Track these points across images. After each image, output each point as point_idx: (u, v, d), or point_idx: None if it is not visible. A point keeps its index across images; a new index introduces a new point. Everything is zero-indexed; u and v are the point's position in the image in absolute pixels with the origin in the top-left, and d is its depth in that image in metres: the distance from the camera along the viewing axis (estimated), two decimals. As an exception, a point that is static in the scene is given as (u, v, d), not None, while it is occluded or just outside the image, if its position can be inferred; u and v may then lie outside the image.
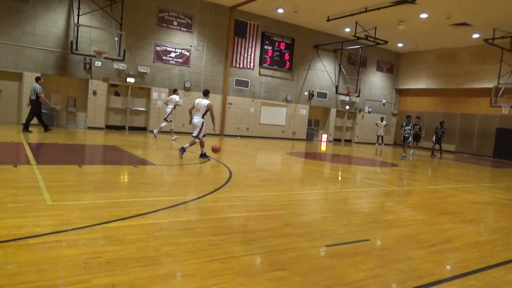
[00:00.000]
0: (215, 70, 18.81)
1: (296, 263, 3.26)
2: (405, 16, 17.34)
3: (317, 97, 22.21)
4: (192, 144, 9.26)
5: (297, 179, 7.98)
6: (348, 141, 24.35)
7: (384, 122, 22.61)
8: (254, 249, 3.50)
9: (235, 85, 19.42)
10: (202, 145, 9.53)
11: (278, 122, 21.00)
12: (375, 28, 19.18)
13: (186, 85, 18.02)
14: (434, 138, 17.95)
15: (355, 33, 18.91)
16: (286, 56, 20.73)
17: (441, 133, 17.62)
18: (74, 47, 14.84)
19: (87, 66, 15.89)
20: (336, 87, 22.31)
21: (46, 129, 12.88)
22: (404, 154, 15.38)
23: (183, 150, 9.12)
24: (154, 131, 14.10)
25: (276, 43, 20.30)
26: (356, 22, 18.64)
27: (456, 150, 22.70)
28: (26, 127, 12.40)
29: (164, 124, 13.91)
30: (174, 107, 13.71)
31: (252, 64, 19.69)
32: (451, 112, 23.09)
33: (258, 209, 5.00)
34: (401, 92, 26.03)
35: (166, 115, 13.77)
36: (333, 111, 23.05)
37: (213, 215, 4.47)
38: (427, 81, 23.89)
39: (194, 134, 9.24)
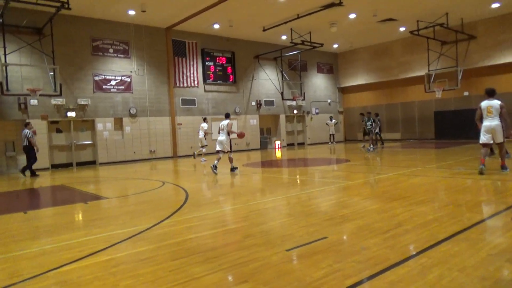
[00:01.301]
0: (160, 93, 18.59)
1: (258, 273, 3.29)
2: (336, 18, 18.18)
3: (265, 105, 22.57)
4: (230, 160, 11.28)
5: (255, 189, 8.04)
6: (301, 144, 24.89)
7: (334, 120, 23.45)
8: (216, 266, 3.49)
9: (182, 105, 19.28)
10: (231, 160, 11.34)
11: (231, 135, 21.02)
12: (310, 32, 19.92)
13: (131, 111, 17.63)
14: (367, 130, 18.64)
15: (292, 39, 19.54)
16: (229, 70, 20.93)
17: (369, 125, 17.91)
18: (5, 87, 14.08)
19: (22, 106, 15.12)
20: (282, 94, 22.82)
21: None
22: (371, 147, 16.46)
23: (215, 167, 11.00)
24: (203, 159, 15.86)
25: (217, 58, 20.45)
26: (291, 29, 19.26)
27: (401, 138, 23.93)
28: (32, 172, 13.08)
29: (201, 149, 16.10)
30: (205, 134, 15.91)
31: (196, 82, 19.68)
32: (392, 102, 24.36)
33: (217, 225, 4.99)
34: (343, 90, 27.10)
35: (200, 142, 16.10)
36: (282, 117, 23.50)
37: (171, 240, 4.41)
38: (366, 77, 25.07)
39: (228, 150, 11.12)
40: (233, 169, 11.23)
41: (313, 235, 4.28)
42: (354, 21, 18.74)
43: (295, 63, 23.68)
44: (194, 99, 19.69)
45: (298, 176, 10.06)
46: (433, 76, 20.25)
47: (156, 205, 6.73)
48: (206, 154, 17.15)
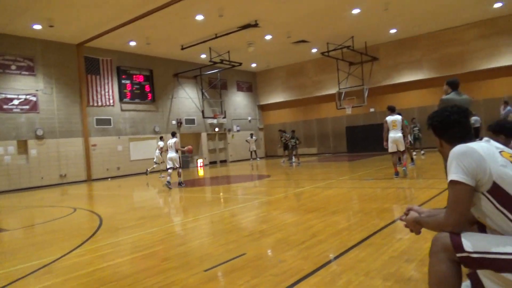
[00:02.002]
0: (71, 112, 17.42)
1: (175, 296, 3.19)
2: (253, 38, 18.81)
3: (185, 124, 22.33)
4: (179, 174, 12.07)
5: (175, 210, 7.85)
6: (223, 161, 24.98)
7: (254, 137, 23.97)
8: (130, 294, 3.31)
9: (97, 125, 18.27)
10: (179, 175, 12.15)
11: (151, 155, 20.37)
12: (228, 52, 20.32)
13: (38, 133, 16.23)
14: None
15: (211, 58, 19.75)
16: (147, 88, 20.41)
17: (294, 142, 18.82)
18: None
19: None
20: (202, 112, 22.81)
21: None
22: (294, 161, 17.49)
23: (169, 183, 11.71)
24: (161, 175, 16.44)
25: (134, 76, 19.85)
26: (210, 48, 19.47)
27: (318, 152, 25.25)
28: None
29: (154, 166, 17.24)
30: (161, 152, 16.51)
31: (111, 101, 18.83)
32: (308, 119, 25.67)
33: (132, 251, 4.76)
34: (263, 108, 27.93)
35: (157, 159, 16.95)
36: (204, 135, 23.43)
37: (81, 271, 4.10)
38: (284, 95, 26.17)
39: (177, 166, 12.08)
40: (180, 183, 12.05)
41: (232, 252, 4.29)
42: (270, 41, 19.57)
43: (215, 81, 23.89)
44: (110, 119, 18.79)
45: (220, 193, 10.04)
46: (343, 94, 21.84)
47: (66, 234, 6.22)
48: (162, 170, 18.25)
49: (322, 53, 20.35)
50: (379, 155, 19.66)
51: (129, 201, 10.12)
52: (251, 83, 27.20)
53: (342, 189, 8.69)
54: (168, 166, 12.13)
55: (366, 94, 20.99)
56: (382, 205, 6.33)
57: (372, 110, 22.71)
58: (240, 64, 21.36)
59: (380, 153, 20.99)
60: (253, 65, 25.11)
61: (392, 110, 9.91)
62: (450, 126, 2.16)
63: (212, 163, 24.20)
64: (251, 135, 24.06)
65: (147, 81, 20.45)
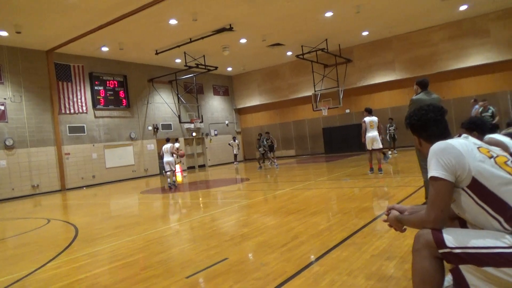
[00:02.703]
0: (42, 121, 16.89)
1: (156, 306, 3.10)
2: (227, 42, 18.78)
3: (162, 129, 22.04)
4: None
5: (154, 217, 7.70)
6: (202, 166, 24.79)
7: (236, 141, 23.92)
8: (109, 306, 3.20)
9: (70, 133, 17.78)
10: (174, 175, 13.40)
11: (127, 162, 20.02)
12: (204, 56, 20.21)
13: (7, 143, 15.64)
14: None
15: (186, 62, 19.59)
16: (121, 94, 20.04)
17: (270, 142, 18.98)
18: None
19: None
20: (179, 117, 22.58)
21: None
22: (272, 163, 17.69)
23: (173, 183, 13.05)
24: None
25: (107, 82, 19.45)
26: (185, 53, 19.31)
27: (296, 154, 25.40)
28: None
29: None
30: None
31: (84, 108, 18.37)
32: (285, 121, 25.80)
33: (111, 261, 4.62)
34: (240, 111, 27.90)
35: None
36: (181, 140, 23.18)
37: (57, 284, 3.93)
38: (260, 98, 26.22)
39: (173, 169, 13.23)
40: (171, 185, 13.15)
41: (214, 258, 4.22)
42: (245, 45, 19.59)
43: (191, 86, 23.71)
44: (83, 126, 18.33)
45: (200, 199, 9.97)
46: (319, 96, 22.08)
47: (40, 246, 5.98)
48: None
49: (297, 56, 20.52)
50: (356, 155, 19.94)
51: (106, 209, 9.87)
52: (227, 87, 27.13)
53: (321, 190, 8.76)
54: (166, 169, 13.27)
55: (341, 96, 21.29)
56: (361, 204, 6.39)
57: (347, 111, 23.05)
58: (216, 68, 21.28)
59: (356, 152, 21.31)
60: (229, 69, 25.07)
61: (369, 112, 10.83)
62: (428, 124, 2.19)
63: (190, 168, 23.96)
64: (234, 138, 23.99)
65: (121, 87, 20.08)
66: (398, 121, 18.53)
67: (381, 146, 10.62)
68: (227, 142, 25.75)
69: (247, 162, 24.77)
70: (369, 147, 10.61)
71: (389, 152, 17.80)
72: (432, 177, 1.99)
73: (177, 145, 16.62)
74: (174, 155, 13.34)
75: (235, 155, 23.63)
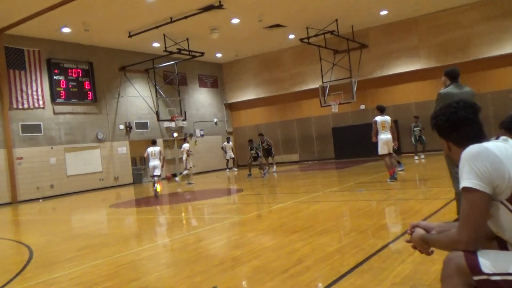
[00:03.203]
0: (-11, 118, 16.83)
1: None
2: (216, 23, 18.83)
3: (136, 129, 22.02)
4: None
5: (127, 237, 7.69)
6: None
7: (230, 143, 23.94)
8: None
9: (23, 133, 17.71)
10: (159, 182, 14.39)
11: (93, 169, 19.97)
12: (187, 39, 20.24)
13: None
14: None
15: (165, 47, 19.59)
16: (87, 85, 20.01)
17: (266, 145, 19.10)
18: None
19: None
20: (157, 113, 22.56)
21: None
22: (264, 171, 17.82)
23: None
24: (176, 178, 18.60)
25: (69, 70, 19.41)
26: (164, 35, 19.34)
27: (300, 159, 25.45)
28: None
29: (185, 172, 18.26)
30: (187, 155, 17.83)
31: (41, 102, 18.32)
32: (287, 119, 25.88)
33: (73, 290, 4.61)
34: (231, 107, 27.95)
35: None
36: (159, 142, 23.16)
37: (7, 318, 3.92)
38: (256, 91, 26.29)
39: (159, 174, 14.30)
40: (157, 193, 14.30)
41: (199, 286, 4.22)
42: (238, 26, 19.64)
43: (172, 75, 23.73)
44: (40, 124, 18.28)
45: (182, 214, 9.98)
46: (327, 89, 22.17)
47: (-15, 272, 5.95)
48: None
49: (301, 40, 20.59)
50: (373, 161, 19.99)
51: (67, 227, 9.84)
52: (216, 77, 27.15)
53: (330, 203, 8.77)
54: (155, 173, 14.25)
55: (355, 88, 21.39)
56: (379, 221, 6.42)
57: (362, 107, 23.15)
58: (202, 54, 21.31)
59: (374, 158, 21.36)
60: (218, 55, 25.10)
61: (381, 110, 11.31)
62: (458, 124, 2.20)
63: (173, 176, 23.89)
64: (228, 139, 23.99)
65: (87, 77, 20.05)
66: (424, 119, 18.63)
67: (391, 151, 11.25)
68: (215, 144, 25.77)
69: (241, 169, 24.78)
70: (384, 150, 11.09)
71: (416, 157, 17.90)
72: (464, 188, 2.01)
73: (186, 146, 18.06)
74: (162, 160, 14.48)
75: (228, 160, 23.60)
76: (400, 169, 13.41)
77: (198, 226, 7.79)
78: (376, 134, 11.06)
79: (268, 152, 18.74)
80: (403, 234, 5.49)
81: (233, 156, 23.73)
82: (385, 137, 11.07)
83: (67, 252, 6.60)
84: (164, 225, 8.63)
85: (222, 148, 24.09)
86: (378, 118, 11.15)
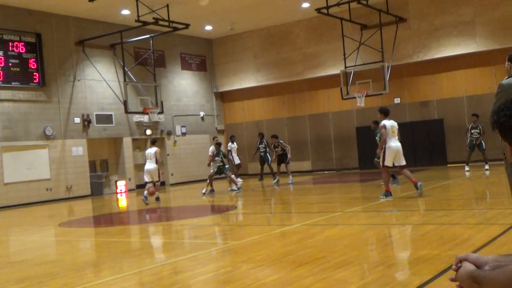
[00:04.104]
0: None
1: None
2: (206, -15, 18.85)
3: (97, 123, 22.00)
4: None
5: (81, 265, 7.70)
6: (160, 184, 24.64)
7: (235, 144, 23.81)
8: None
9: None
10: (157, 189, 15.88)
11: (38, 175, 19.95)
12: (167, 6, 20.21)
13: None
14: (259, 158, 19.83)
15: (138, 16, 19.55)
16: (32, 64, 20.02)
17: (263, 149, 19.34)
18: None
19: None
20: (125, 103, 22.51)
21: None
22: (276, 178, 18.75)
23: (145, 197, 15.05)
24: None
25: (10, 44, 19.44)
26: (137, 0, 19.32)
27: (312, 169, 25.44)
28: None
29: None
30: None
31: (-28, 85, 18.35)
32: (297, 115, 25.87)
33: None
34: (224, 97, 27.95)
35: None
36: (127, 142, 23.17)
37: None
38: (257, 76, 26.28)
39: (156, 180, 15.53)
40: (158, 198, 15.64)
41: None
42: (235, -10, 19.66)
43: (146, 54, 23.72)
44: (-31, 115, 18.31)
45: (155, 237, 9.96)
46: (351, 76, 22.17)
47: None
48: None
49: (318, 10, 20.57)
50: (410, 171, 20.00)
51: (3, 251, 9.83)
52: (204, 58, 27.14)
53: (351, 226, 8.78)
54: (146, 180, 15.59)
55: (387, 76, 21.39)
56: (415, 253, 6.44)
57: (397, 100, 23.18)
58: (187, 26, 21.28)
59: (410, 169, 21.35)
60: (208, 28, 25.09)
61: (385, 113, 12.21)
62: None
63: (142, 186, 23.86)
64: (232, 139, 23.46)
65: (33, 53, 20.05)
66: (480, 119, 18.64)
67: (404, 162, 12.02)
68: (201, 145, 25.72)
69: (245, 178, 24.77)
70: (390, 162, 11.80)
71: (466, 168, 17.86)
72: None
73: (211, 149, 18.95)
74: (158, 162, 15.58)
75: (237, 165, 23.13)
76: (393, 183, 14.39)
77: (175, 254, 7.77)
78: (385, 141, 11.74)
79: (282, 159, 19.00)
80: (446, 270, 5.52)
81: (239, 161, 23.37)
82: (395, 145, 11.76)
83: (2, 285, 6.62)
84: (131, 251, 8.59)
85: (229, 151, 23.58)
86: (388, 123, 11.87)
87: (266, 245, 7.87)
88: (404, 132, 22.69)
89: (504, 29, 20.40)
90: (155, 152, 15.45)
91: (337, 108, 24.61)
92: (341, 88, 22.15)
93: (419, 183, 11.66)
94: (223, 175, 18.24)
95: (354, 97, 21.82)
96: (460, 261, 2.42)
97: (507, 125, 2.25)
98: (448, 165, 21.36)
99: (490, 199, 11.01)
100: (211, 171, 17.80)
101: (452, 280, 2.44)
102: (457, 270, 2.41)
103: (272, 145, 19.04)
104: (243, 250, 7.58)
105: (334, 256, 6.54)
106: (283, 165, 19.82)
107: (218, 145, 18.32)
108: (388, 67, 21.48)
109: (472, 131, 17.81)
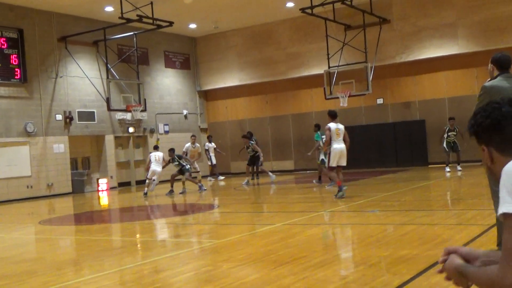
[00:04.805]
0: None
1: None
2: (191, -17, 18.81)
3: (79, 120, 21.87)
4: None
5: (61, 264, 7.65)
6: (143, 182, 24.60)
7: (213, 144, 23.86)
8: None
9: None
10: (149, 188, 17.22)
11: (19, 172, 19.78)
12: (151, 3, 20.14)
13: None
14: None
15: (122, 13, 19.46)
16: (14, 60, 19.83)
17: (252, 150, 19.34)
18: None
19: None
20: (108, 101, 22.39)
21: None
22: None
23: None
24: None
25: (-9, 39, 19.27)
26: (121, -4, 19.24)
27: (295, 168, 25.49)
28: None
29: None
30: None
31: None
32: (280, 114, 25.89)
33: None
34: (207, 96, 27.92)
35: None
36: (109, 140, 23.06)
37: None
38: (241, 75, 26.28)
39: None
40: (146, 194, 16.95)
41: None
42: (220, -11, 19.64)
43: (129, 51, 23.61)
44: None
45: (137, 235, 9.95)
46: (335, 76, 22.25)
47: None
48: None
49: (303, 10, 20.62)
50: (392, 172, 20.14)
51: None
52: (188, 56, 27.09)
53: (332, 226, 8.82)
54: (154, 177, 16.93)
55: (371, 77, 21.49)
56: (396, 252, 6.47)
57: (380, 101, 23.30)
58: (171, 24, 21.23)
59: (393, 169, 21.52)
60: (192, 26, 25.03)
61: (333, 116, 12.90)
62: (503, 123, 2.21)
63: (124, 184, 23.82)
64: (209, 138, 23.64)
65: (14, 49, 19.87)
66: (460, 120, 18.80)
67: (345, 164, 12.72)
68: (183, 143, 25.54)
69: (226, 177, 24.77)
70: (334, 163, 12.41)
71: (447, 169, 18.03)
72: (505, 215, 2.03)
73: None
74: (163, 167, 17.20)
75: (213, 166, 23.43)
76: (328, 186, 15.21)
77: (156, 253, 7.76)
78: (329, 142, 12.45)
79: (253, 160, 19.08)
80: (426, 270, 5.55)
81: (215, 162, 23.64)
82: (339, 147, 12.46)
83: (-21, 282, 6.56)
84: (112, 250, 8.57)
85: (206, 150, 23.74)
86: (332, 125, 12.58)
87: (247, 244, 7.89)
88: (386, 133, 23.01)
89: (485, 32, 20.61)
90: (163, 157, 17.33)
91: (320, 108, 24.62)
92: (324, 88, 22.21)
93: (344, 187, 12.31)
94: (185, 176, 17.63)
95: (337, 97, 21.89)
96: (448, 253, 2.42)
97: (484, 126, 2.25)
98: (429, 166, 21.51)
99: (470, 200, 11.10)
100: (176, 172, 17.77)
101: (440, 272, 2.43)
102: (443, 262, 2.40)
103: (245, 146, 19.22)
104: (224, 249, 7.58)
105: (315, 256, 6.56)
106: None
107: (171, 151, 17.65)
108: (371, 67, 21.58)
109: (449, 133, 18.13)
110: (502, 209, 2.03)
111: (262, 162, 19.73)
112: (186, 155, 19.64)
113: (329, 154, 12.49)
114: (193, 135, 22.53)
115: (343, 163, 12.59)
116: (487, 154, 2.29)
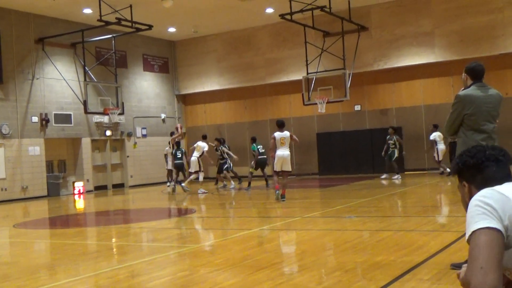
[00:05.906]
0: None
1: None
2: (171, -14, 18.79)
3: (55, 123, 21.67)
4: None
5: (35, 268, 7.57)
6: (119, 186, 24.49)
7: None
8: None
9: None
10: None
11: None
12: (131, 6, 20.06)
13: None
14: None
15: (101, 15, 19.35)
16: (-11, 61, 19.63)
17: (220, 154, 19.62)
18: None
19: None
20: (85, 103, 22.22)
21: None
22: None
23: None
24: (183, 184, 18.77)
25: (-33, 39, 19.01)
26: (100, -1, 19.15)
27: (272, 174, 25.47)
28: None
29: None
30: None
31: None
32: (259, 119, 25.94)
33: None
34: (186, 100, 27.86)
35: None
36: (86, 142, 22.89)
37: None
38: (220, 80, 26.28)
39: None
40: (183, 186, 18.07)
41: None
42: (200, -7, 19.65)
43: (107, 54, 23.49)
44: None
45: (113, 239, 9.91)
46: (313, 82, 22.36)
47: None
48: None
49: (282, 16, 20.70)
50: (369, 178, 20.29)
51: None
52: (166, 59, 27.02)
53: (310, 232, 8.86)
54: (192, 170, 18.20)
55: (348, 83, 21.66)
56: (372, 258, 6.52)
57: (357, 107, 23.48)
58: (150, 27, 21.15)
59: (370, 175, 21.67)
60: (171, 29, 24.99)
61: (280, 126, 13.68)
62: (485, 163, 2.38)
63: (100, 188, 23.64)
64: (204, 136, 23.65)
65: (-10, 49, 19.67)
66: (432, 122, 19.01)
67: (290, 169, 13.77)
68: (160, 147, 25.47)
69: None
70: (278, 168, 13.38)
71: (383, 176, 18.31)
72: (473, 234, 2.11)
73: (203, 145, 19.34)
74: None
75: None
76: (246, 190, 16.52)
77: (133, 257, 7.71)
78: (274, 150, 13.38)
79: (221, 166, 19.80)
80: (401, 276, 5.61)
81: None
82: (282, 154, 13.37)
83: (-49, 286, 6.46)
84: (88, 254, 8.49)
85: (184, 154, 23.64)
86: (277, 134, 13.47)
87: (224, 249, 7.89)
88: (364, 139, 23.16)
89: (461, 41, 20.90)
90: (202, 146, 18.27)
91: (298, 113, 24.79)
92: (302, 94, 22.35)
93: (277, 191, 13.43)
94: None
95: (315, 103, 22.03)
96: None
97: (468, 164, 2.45)
98: (406, 173, 21.71)
99: (445, 206, 11.24)
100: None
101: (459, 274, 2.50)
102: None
103: (214, 147, 19.67)
104: (201, 254, 7.58)
105: (292, 261, 6.60)
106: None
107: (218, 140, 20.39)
108: (349, 74, 21.77)
109: (389, 142, 18.81)
110: (468, 233, 2.14)
111: (229, 168, 19.94)
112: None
113: (274, 160, 13.49)
114: (204, 134, 22.07)
115: (287, 168, 13.51)
116: (467, 190, 2.48)
